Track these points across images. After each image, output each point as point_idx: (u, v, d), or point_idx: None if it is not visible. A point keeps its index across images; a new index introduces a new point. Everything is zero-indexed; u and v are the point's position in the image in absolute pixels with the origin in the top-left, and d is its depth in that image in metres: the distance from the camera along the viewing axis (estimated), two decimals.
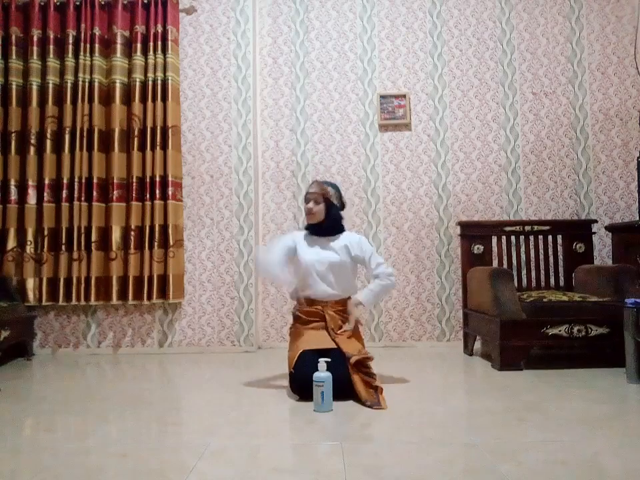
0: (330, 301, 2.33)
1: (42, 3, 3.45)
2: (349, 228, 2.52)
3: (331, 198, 2.38)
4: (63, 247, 3.31)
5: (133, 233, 3.32)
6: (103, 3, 3.45)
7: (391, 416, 1.88)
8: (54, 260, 3.33)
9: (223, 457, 1.50)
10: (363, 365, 2.11)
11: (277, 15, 3.63)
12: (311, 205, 2.36)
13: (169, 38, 3.39)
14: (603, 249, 3.44)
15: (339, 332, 2.25)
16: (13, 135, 3.37)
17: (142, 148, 3.39)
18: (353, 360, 2.08)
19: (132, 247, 3.31)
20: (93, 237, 3.31)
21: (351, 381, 2.05)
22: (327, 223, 2.39)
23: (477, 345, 3.15)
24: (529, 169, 3.52)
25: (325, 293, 2.32)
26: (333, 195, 2.40)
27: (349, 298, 2.38)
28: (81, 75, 3.38)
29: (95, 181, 3.34)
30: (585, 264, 3.13)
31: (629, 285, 2.71)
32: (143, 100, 3.40)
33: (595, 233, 3.26)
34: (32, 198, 3.35)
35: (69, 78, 3.39)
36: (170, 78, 3.38)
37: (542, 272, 3.21)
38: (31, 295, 3.31)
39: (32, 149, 3.36)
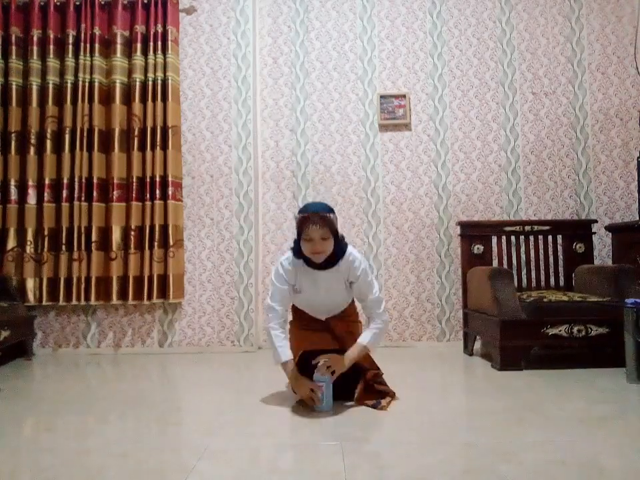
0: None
1: (42, 3, 3.45)
2: (349, 233, 2.43)
3: (336, 226, 2.02)
4: (63, 247, 3.32)
5: (133, 233, 3.32)
6: (102, 2, 3.45)
7: (391, 416, 1.88)
8: (54, 260, 3.33)
9: (223, 457, 1.50)
10: (375, 382, 2.05)
11: (277, 15, 3.63)
12: (317, 246, 1.96)
13: (169, 38, 3.39)
14: (603, 249, 3.44)
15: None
16: (13, 135, 3.37)
17: (142, 148, 3.39)
18: (369, 375, 2.03)
19: (132, 246, 3.31)
20: (93, 237, 3.31)
21: (350, 383, 2.04)
22: (333, 255, 2.03)
23: (477, 345, 3.15)
24: (529, 168, 3.52)
25: (324, 317, 2.19)
26: (335, 220, 2.03)
27: (352, 301, 2.28)
28: (80, 75, 3.38)
29: (95, 181, 3.34)
30: (585, 264, 3.13)
31: (629, 285, 2.71)
32: (143, 100, 3.40)
33: (595, 233, 3.25)
34: (32, 198, 3.35)
35: (69, 78, 3.39)
36: (170, 78, 3.38)
37: (542, 272, 3.21)
38: (31, 295, 3.30)
39: (32, 149, 3.37)
